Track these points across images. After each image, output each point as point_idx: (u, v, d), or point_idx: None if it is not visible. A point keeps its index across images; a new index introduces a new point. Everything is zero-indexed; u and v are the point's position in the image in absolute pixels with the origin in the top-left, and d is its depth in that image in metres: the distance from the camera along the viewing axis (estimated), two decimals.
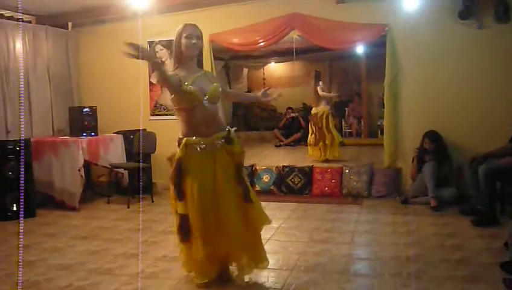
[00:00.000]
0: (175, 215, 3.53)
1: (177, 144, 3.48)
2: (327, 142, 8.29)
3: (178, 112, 3.47)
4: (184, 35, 3.42)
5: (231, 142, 3.51)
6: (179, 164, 3.43)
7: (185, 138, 3.43)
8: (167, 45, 7.33)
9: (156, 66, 3.33)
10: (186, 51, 3.44)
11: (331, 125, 8.48)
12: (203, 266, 3.47)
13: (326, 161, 8.09)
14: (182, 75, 3.39)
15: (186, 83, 3.34)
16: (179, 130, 3.51)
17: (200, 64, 3.62)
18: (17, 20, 6.87)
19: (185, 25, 3.48)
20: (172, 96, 3.41)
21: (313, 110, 8.64)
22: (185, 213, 3.41)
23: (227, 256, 3.59)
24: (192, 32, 3.45)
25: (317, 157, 8.28)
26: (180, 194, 3.41)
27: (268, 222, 3.67)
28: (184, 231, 3.44)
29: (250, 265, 3.58)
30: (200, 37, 3.49)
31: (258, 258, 3.61)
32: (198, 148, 3.41)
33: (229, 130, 3.54)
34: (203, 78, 3.50)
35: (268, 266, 3.90)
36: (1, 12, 6.83)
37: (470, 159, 5.44)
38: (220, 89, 3.58)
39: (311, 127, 8.61)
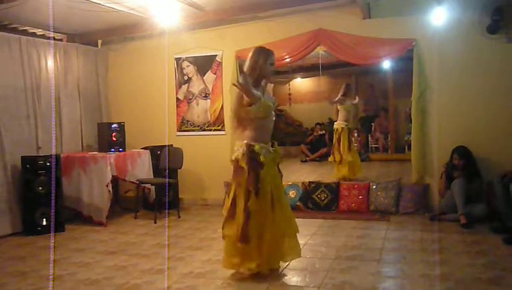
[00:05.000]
0: (241, 215, 3.91)
1: (245, 147, 3.95)
2: (336, 159, 8.04)
3: (259, 121, 3.98)
4: (269, 62, 4.05)
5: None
6: (256, 164, 3.93)
7: (256, 143, 3.97)
8: (194, 61, 7.43)
9: (249, 93, 3.87)
10: (266, 74, 4.09)
11: (343, 141, 8.10)
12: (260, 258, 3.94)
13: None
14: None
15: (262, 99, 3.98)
16: (244, 137, 4.00)
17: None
18: (49, 38, 7.03)
19: (269, 52, 4.08)
20: (248, 108, 3.93)
21: (334, 125, 8.45)
22: (256, 209, 3.88)
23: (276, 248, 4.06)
24: (274, 61, 4.11)
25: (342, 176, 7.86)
26: (259, 191, 3.90)
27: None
28: (246, 233, 3.87)
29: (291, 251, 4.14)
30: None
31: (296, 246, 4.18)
32: (268, 152, 4.03)
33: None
34: (263, 94, 4.09)
35: (295, 284, 3.91)
36: (33, 31, 7.03)
37: (500, 175, 5.33)
38: None
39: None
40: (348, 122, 8.29)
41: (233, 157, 4.05)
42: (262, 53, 4.05)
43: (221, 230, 4.11)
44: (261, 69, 4.02)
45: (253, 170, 3.91)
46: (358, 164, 8.23)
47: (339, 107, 8.29)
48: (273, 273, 4.11)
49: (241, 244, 3.88)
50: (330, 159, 8.32)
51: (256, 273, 3.97)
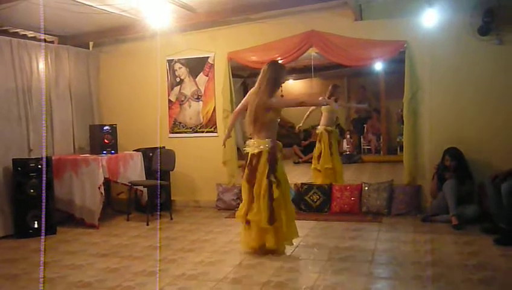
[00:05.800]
0: (264, 202, 4.55)
1: (271, 144, 4.64)
2: (314, 165, 7.70)
3: (273, 123, 4.74)
4: (281, 81, 4.94)
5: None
6: (275, 157, 4.67)
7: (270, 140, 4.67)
8: (186, 63, 7.42)
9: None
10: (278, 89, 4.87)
11: (323, 146, 7.63)
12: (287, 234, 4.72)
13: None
14: None
15: None
16: (262, 136, 4.67)
17: None
18: (40, 40, 6.99)
19: (280, 66, 4.93)
20: (267, 113, 4.61)
21: (317, 129, 8.00)
22: (277, 195, 4.56)
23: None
24: (283, 74, 4.98)
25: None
26: (279, 180, 4.63)
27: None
28: (273, 215, 4.54)
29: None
30: None
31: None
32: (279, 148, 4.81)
33: None
34: None
35: (287, 285, 3.89)
36: (24, 33, 6.98)
37: (492, 177, 5.35)
38: None
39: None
40: (332, 126, 7.88)
41: (255, 152, 4.64)
42: (280, 72, 4.80)
43: (241, 219, 4.76)
44: (279, 85, 4.85)
45: (274, 163, 4.63)
46: (339, 172, 7.62)
47: (322, 109, 7.82)
48: (271, 273, 4.13)
49: (269, 226, 4.52)
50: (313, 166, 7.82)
51: (273, 250, 4.66)
